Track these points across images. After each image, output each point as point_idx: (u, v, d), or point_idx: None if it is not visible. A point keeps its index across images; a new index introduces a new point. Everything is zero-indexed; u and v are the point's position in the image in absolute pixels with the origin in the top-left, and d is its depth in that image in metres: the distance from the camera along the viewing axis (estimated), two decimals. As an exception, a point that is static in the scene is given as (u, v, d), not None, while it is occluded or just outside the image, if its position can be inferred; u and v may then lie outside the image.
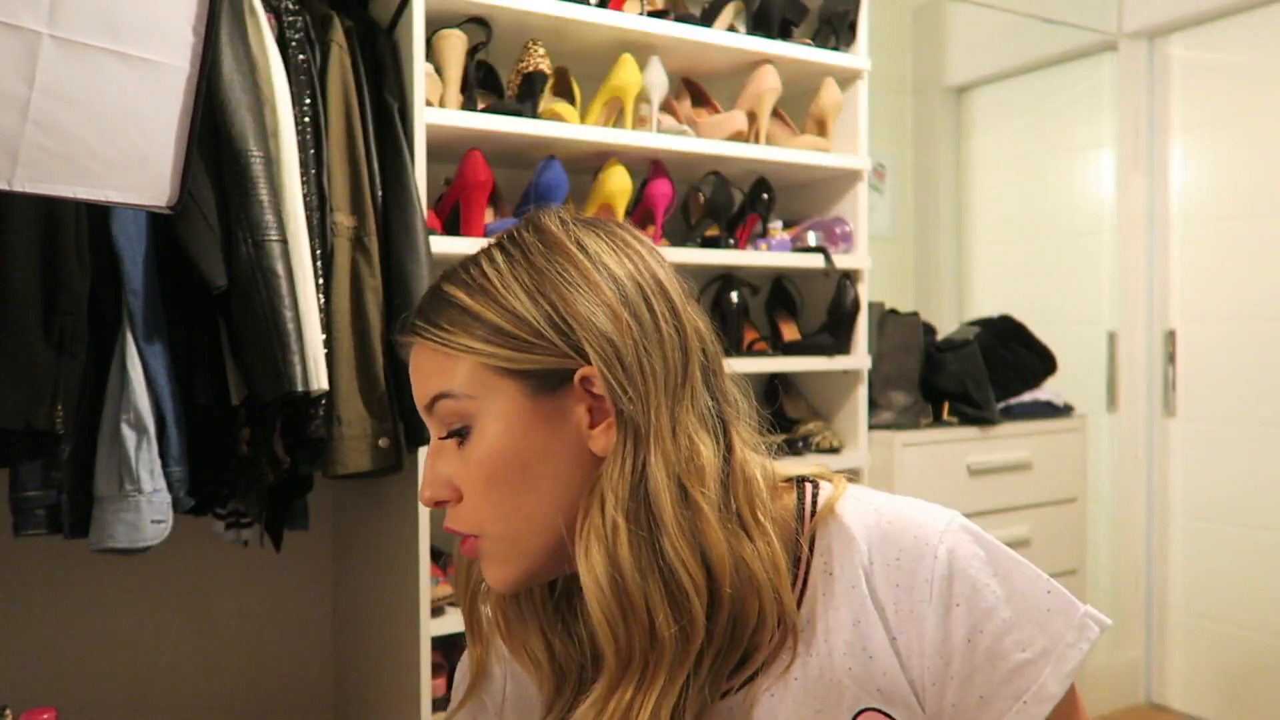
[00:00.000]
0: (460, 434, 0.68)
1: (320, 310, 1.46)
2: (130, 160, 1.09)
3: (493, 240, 0.71)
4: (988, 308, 3.05)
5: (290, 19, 1.51)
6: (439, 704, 1.71)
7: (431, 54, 1.71)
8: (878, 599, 0.67)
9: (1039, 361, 2.64)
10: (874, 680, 0.66)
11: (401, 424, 1.55)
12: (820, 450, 2.15)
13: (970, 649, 0.64)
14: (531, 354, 0.65)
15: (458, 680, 0.82)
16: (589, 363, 0.65)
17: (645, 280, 0.68)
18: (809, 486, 0.73)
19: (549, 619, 0.74)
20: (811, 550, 0.70)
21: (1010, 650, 0.64)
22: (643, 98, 1.91)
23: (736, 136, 2.02)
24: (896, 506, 0.70)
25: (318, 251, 1.48)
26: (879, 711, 0.66)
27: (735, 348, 2.10)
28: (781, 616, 0.67)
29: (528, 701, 0.78)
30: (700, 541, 0.65)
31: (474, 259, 0.70)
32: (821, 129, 2.15)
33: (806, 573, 0.69)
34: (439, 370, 0.68)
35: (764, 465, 0.72)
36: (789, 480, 0.74)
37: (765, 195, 2.15)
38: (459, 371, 0.67)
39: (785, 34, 2.12)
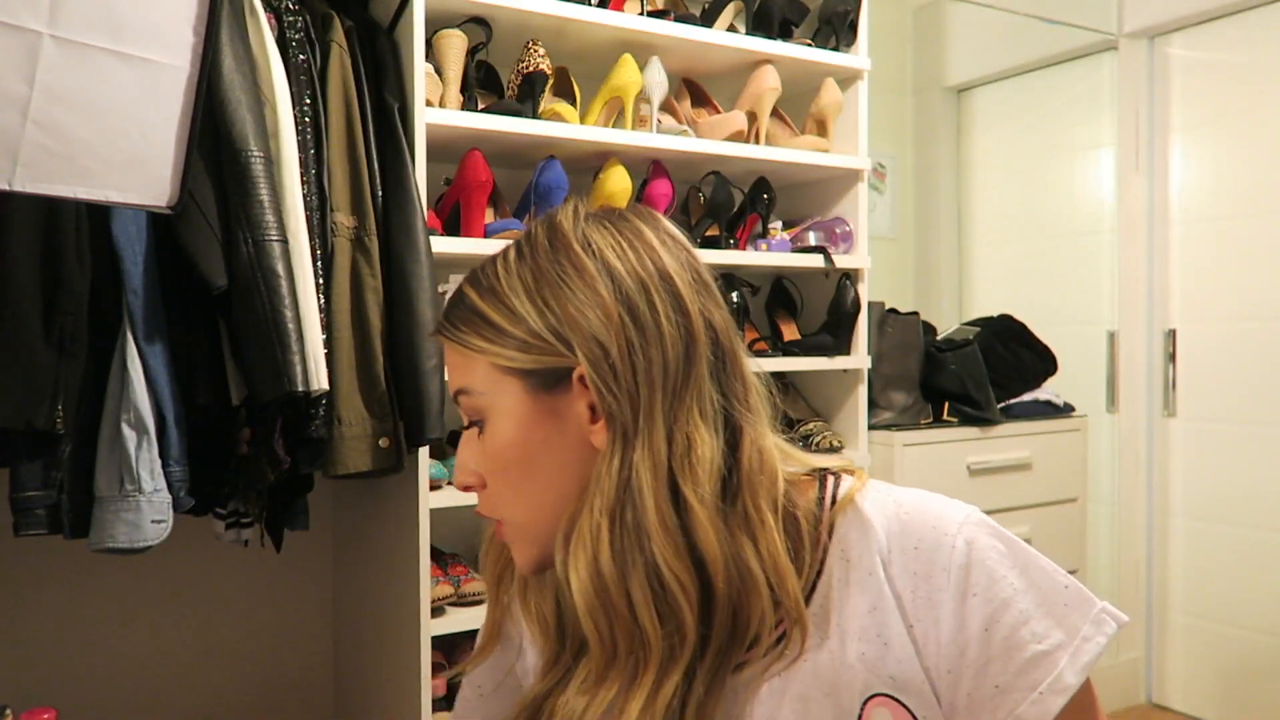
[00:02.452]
0: (479, 425, 0.71)
1: (320, 310, 1.46)
2: (130, 160, 1.09)
3: (509, 245, 0.73)
4: (988, 308, 3.05)
5: (290, 19, 1.51)
6: (439, 704, 1.71)
7: (431, 54, 1.71)
8: (895, 587, 0.67)
9: (1039, 361, 2.64)
10: (887, 667, 0.66)
11: (401, 424, 1.55)
12: (820, 450, 2.15)
13: (987, 638, 0.65)
14: (529, 354, 0.67)
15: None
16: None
17: (648, 274, 0.68)
18: (830, 478, 0.73)
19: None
20: (830, 538, 0.70)
21: (1027, 641, 0.64)
22: (643, 98, 1.91)
23: (736, 136, 2.02)
24: (915, 499, 0.71)
25: (318, 251, 1.48)
26: (890, 697, 0.66)
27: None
28: (785, 609, 0.67)
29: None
30: (691, 540, 0.65)
31: (492, 258, 0.72)
32: (821, 129, 2.15)
33: (824, 559, 0.70)
34: (459, 367, 0.71)
35: (789, 456, 0.73)
36: (811, 473, 0.74)
37: (765, 195, 2.15)
38: (475, 369, 0.70)
39: (785, 34, 2.12)
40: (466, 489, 0.74)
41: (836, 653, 0.67)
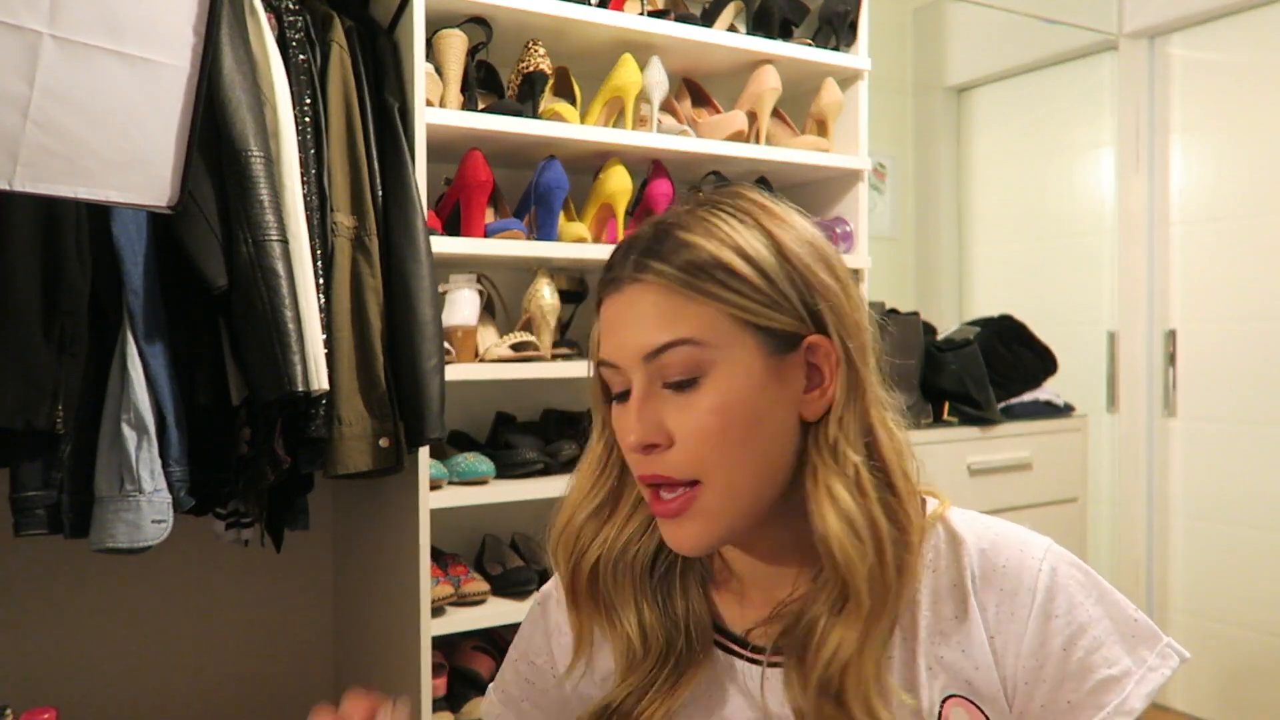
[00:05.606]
0: (688, 384, 0.67)
1: (321, 310, 1.46)
2: (130, 160, 1.09)
3: (689, 203, 0.72)
4: (988, 308, 3.05)
5: (290, 19, 1.51)
6: (439, 704, 1.71)
7: (432, 54, 1.71)
8: (980, 599, 0.70)
9: (1039, 361, 2.64)
10: (964, 672, 0.69)
11: (402, 424, 1.55)
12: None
13: (1064, 657, 0.68)
14: (777, 312, 0.67)
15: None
16: (817, 330, 0.69)
17: (835, 251, 0.72)
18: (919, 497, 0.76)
19: (648, 592, 0.76)
20: (920, 547, 0.73)
21: (1099, 665, 0.68)
22: (643, 98, 1.91)
23: (737, 136, 2.02)
24: (1001, 524, 0.74)
25: (318, 251, 1.48)
26: (966, 699, 0.69)
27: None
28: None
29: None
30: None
31: (690, 212, 0.70)
32: (822, 129, 2.15)
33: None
34: (677, 315, 0.67)
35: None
36: None
37: (765, 195, 2.14)
38: (702, 318, 0.66)
39: (785, 34, 2.12)
40: (648, 448, 0.68)
41: (921, 652, 0.71)
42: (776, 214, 0.70)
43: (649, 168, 1.97)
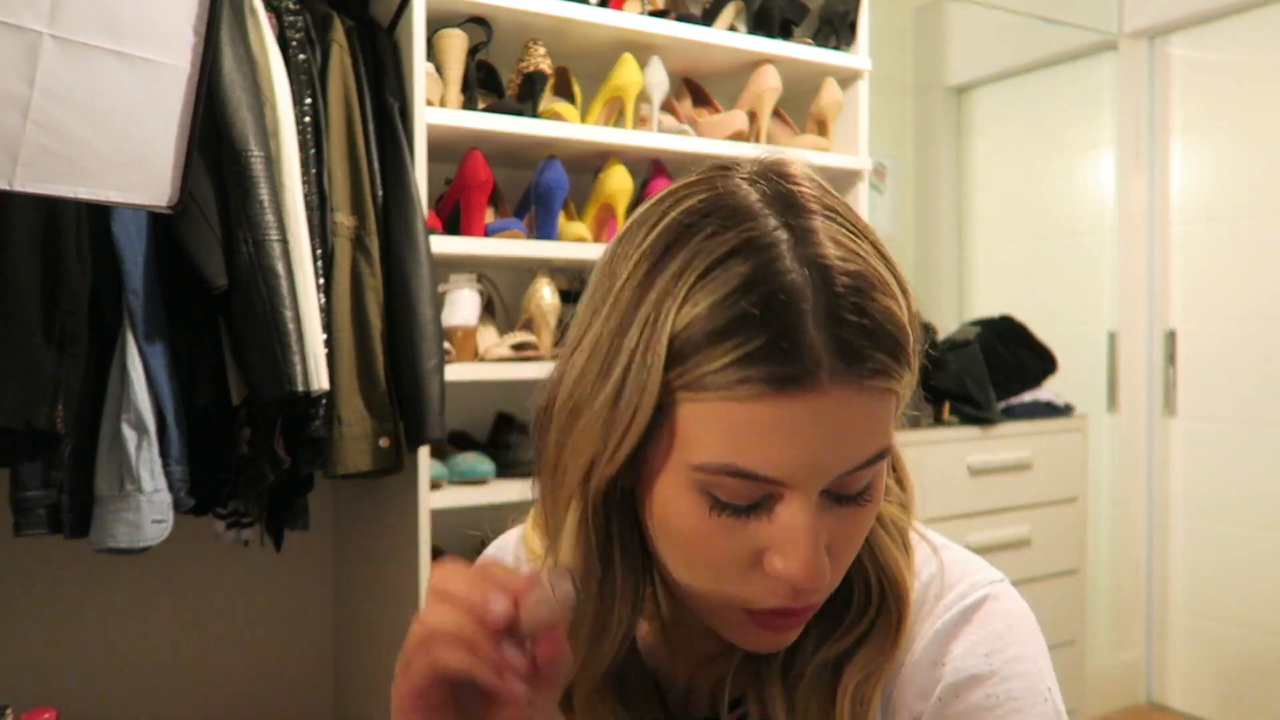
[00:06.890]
0: (863, 495, 0.52)
1: (321, 310, 1.46)
2: (130, 160, 1.09)
3: (808, 195, 0.51)
4: (988, 308, 3.05)
5: (290, 19, 1.51)
6: (439, 704, 1.71)
7: (432, 54, 1.71)
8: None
9: (1039, 361, 2.64)
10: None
11: (402, 424, 1.55)
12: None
13: (938, 708, 0.56)
14: (913, 374, 0.52)
15: None
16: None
17: None
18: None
19: (606, 702, 0.60)
20: None
21: None
22: (643, 97, 1.91)
23: (737, 136, 2.02)
24: (950, 558, 0.62)
25: (318, 251, 1.48)
26: None
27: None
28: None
29: None
30: None
31: (853, 244, 0.49)
32: (822, 129, 2.15)
33: None
34: (879, 420, 0.49)
35: None
36: None
37: (765, 195, 2.14)
38: (889, 416, 0.50)
39: (786, 34, 2.12)
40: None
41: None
42: (870, 227, 0.53)
43: (649, 168, 1.97)
